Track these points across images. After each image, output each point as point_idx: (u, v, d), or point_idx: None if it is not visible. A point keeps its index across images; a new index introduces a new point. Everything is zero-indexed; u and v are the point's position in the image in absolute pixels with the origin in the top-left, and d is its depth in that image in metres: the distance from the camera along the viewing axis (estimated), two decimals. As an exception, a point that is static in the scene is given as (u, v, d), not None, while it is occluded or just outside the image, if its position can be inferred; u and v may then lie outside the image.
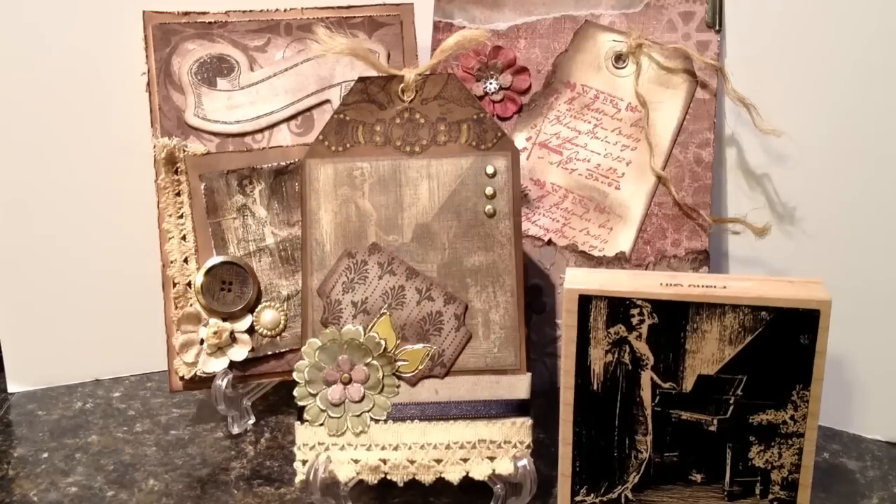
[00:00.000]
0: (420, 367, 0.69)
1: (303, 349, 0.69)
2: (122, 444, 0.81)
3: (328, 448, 0.68)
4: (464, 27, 0.86)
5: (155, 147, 0.80)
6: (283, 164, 0.81)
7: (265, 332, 0.81)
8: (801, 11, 0.78)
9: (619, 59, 0.84)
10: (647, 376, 0.64)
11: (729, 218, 0.83)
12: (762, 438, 0.63)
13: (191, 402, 0.88)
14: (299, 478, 0.68)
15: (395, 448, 0.68)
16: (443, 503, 0.72)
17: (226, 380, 0.79)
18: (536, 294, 0.84)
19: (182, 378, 0.79)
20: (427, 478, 0.68)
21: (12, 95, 0.85)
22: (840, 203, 0.79)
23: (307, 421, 0.69)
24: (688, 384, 0.63)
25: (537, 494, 0.68)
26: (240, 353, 0.80)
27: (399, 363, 0.69)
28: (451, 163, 0.70)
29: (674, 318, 0.62)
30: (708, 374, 0.63)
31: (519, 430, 0.68)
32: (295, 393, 0.69)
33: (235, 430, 0.82)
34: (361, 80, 0.71)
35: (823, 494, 0.73)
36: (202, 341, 0.79)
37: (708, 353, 0.62)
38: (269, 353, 0.81)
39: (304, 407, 0.69)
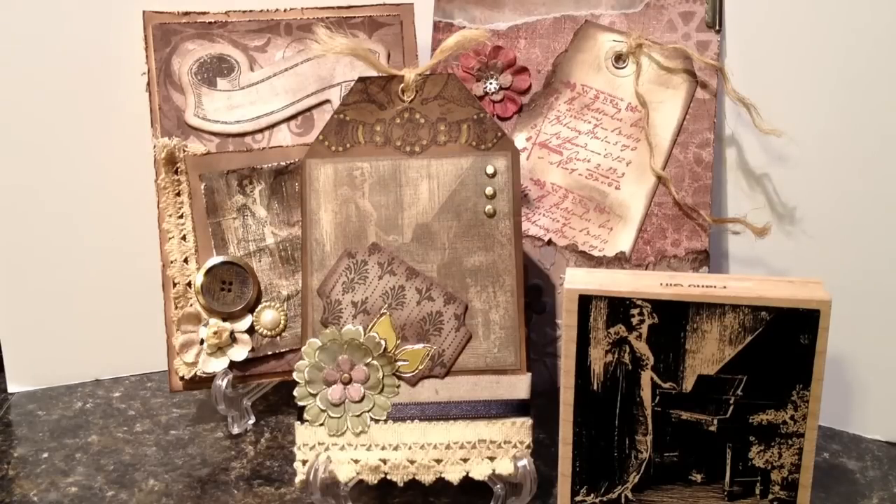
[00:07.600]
0: (420, 367, 0.69)
1: (303, 349, 0.69)
2: (122, 444, 0.81)
3: (328, 448, 0.68)
4: (464, 27, 0.86)
5: (155, 147, 0.80)
6: (283, 164, 0.81)
7: (265, 332, 0.81)
8: (801, 11, 0.78)
9: (619, 59, 0.84)
10: (647, 376, 0.64)
11: (729, 218, 0.83)
12: (762, 438, 0.63)
13: (191, 402, 0.88)
14: (299, 478, 0.68)
15: (396, 448, 0.68)
16: (443, 503, 0.72)
17: (226, 380, 0.79)
18: (536, 294, 0.84)
19: (182, 378, 0.79)
20: (427, 478, 0.68)
21: (12, 95, 0.85)
22: (840, 203, 0.79)
23: (307, 421, 0.69)
24: (688, 384, 0.63)
25: (537, 494, 0.68)
26: (240, 353, 0.80)
27: (399, 363, 0.69)
28: (451, 163, 0.70)
29: (674, 318, 0.62)
30: (708, 374, 0.63)
31: (519, 430, 0.68)
32: (295, 393, 0.69)
33: (235, 430, 0.82)
34: (361, 80, 0.71)
35: (823, 494, 0.73)
36: (202, 341, 0.79)
37: (708, 353, 0.62)
38: (269, 353, 0.81)
39: (304, 407, 0.69)
